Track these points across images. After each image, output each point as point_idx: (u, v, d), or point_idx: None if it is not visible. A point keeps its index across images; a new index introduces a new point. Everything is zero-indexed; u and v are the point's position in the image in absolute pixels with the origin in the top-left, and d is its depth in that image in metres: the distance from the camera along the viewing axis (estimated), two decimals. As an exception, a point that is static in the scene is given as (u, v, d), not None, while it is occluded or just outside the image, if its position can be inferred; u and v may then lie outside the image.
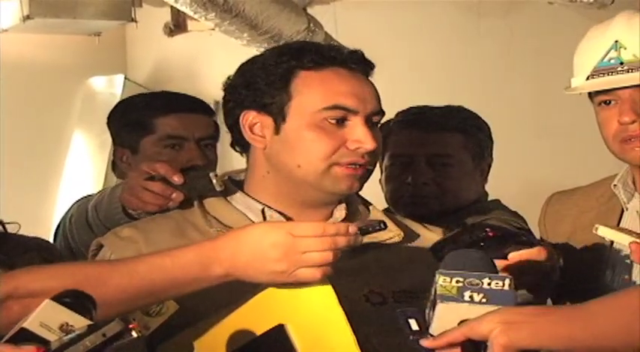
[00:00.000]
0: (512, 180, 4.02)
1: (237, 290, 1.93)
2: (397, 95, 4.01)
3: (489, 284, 1.80)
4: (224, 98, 2.23)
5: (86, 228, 2.69)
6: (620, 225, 2.36)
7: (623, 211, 2.38)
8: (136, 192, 2.35)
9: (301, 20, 4.97)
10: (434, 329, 1.80)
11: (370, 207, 2.28)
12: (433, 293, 1.81)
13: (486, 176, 3.01)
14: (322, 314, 1.87)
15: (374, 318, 2.00)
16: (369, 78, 2.21)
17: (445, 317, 1.78)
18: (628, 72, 2.26)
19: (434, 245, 2.04)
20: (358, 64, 2.18)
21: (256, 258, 1.84)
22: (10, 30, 5.50)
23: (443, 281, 1.80)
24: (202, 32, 5.68)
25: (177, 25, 5.95)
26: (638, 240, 2.08)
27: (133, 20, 5.54)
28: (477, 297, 1.79)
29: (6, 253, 2.31)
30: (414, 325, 1.82)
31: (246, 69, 2.20)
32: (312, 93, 2.13)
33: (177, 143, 2.86)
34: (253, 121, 2.16)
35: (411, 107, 3.04)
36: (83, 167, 6.03)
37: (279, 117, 2.14)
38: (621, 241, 2.15)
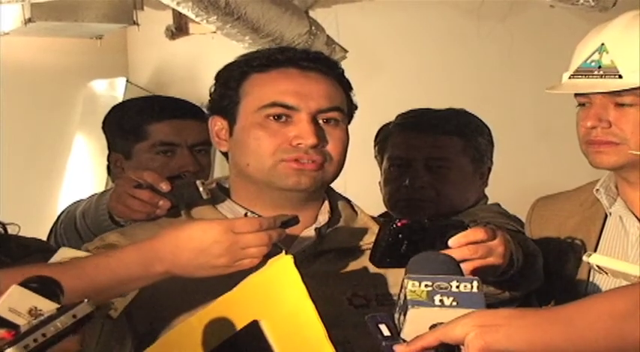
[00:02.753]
0: (512, 184, 4.02)
1: (215, 297, 1.97)
2: (397, 98, 4.02)
3: (458, 287, 1.80)
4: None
5: (74, 235, 2.71)
6: (603, 232, 2.37)
7: (606, 216, 2.38)
8: (123, 200, 2.37)
9: (303, 23, 4.97)
10: (405, 334, 1.80)
11: (358, 211, 2.28)
12: (403, 298, 1.81)
13: (486, 180, 3.01)
14: (285, 288, 1.90)
15: (355, 321, 2.01)
16: (331, 76, 2.20)
17: (417, 322, 1.78)
18: (601, 77, 2.27)
19: (370, 256, 2.03)
20: (310, 63, 2.19)
21: (199, 255, 1.94)
22: (12, 33, 5.50)
23: (412, 286, 1.80)
24: (204, 35, 5.68)
25: (179, 28, 5.96)
26: None
27: (135, 23, 5.54)
28: (447, 301, 1.78)
29: (8, 255, 2.31)
30: (385, 330, 1.81)
31: (216, 76, 2.26)
32: (256, 93, 2.17)
33: (170, 149, 2.87)
34: (220, 126, 2.22)
35: (412, 110, 3.04)
36: (85, 170, 6.03)
37: (231, 118, 2.19)
38: (624, 269, 2.13)
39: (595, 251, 2.36)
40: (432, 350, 1.77)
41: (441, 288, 1.80)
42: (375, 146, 3.04)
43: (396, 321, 1.83)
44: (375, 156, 3.05)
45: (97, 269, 1.95)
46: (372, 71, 4.96)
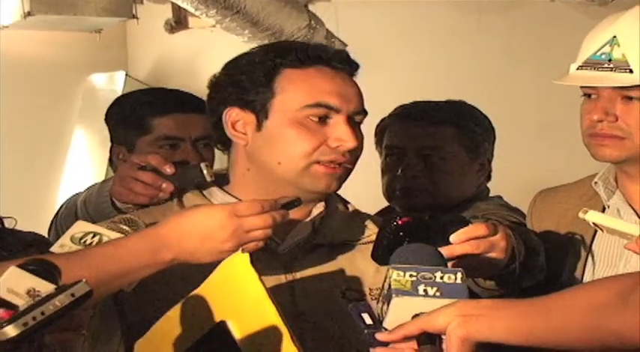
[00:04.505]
0: (514, 177, 4.01)
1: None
2: (397, 92, 4.01)
3: (442, 278, 1.82)
4: (208, 95, 2.25)
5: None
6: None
7: (604, 209, 2.38)
8: (126, 183, 2.36)
9: (302, 17, 4.97)
10: (388, 323, 1.81)
11: (349, 206, 2.28)
12: (387, 287, 1.83)
13: (488, 171, 3.00)
14: (244, 287, 1.89)
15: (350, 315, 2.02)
16: (354, 78, 2.21)
17: (400, 311, 1.80)
18: (611, 70, 2.25)
19: (372, 254, 2.04)
20: (343, 64, 2.19)
21: (205, 241, 1.94)
22: (12, 26, 5.51)
23: (397, 276, 1.82)
24: (203, 29, 5.68)
25: (179, 21, 5.95)
26: None
27: (134, 17, 5.55)
28: (431, 291, 1.80)
29: (6, 249, 2.31)
30: (367, 319, 1.84)
31: (232, 66, 2.22)
32: (296, 90, 2.14)
33: (174, 143, 2.86)
34: (236, 118, 2.17)
35: (412, 102, 3.04)
36: (84, 163, 6.03)
37: (261, 113, 2.15)
38: (621, 228, 2.12)
39: (592, 244, 2.36)
40: (413, 338, 1.78)
41: (426, 279, 1.82)
42: (374, 137, 3.05)
43: (379, 310, 1.85)
44: (375, 148, 3.05)
45: (105, 258, 1.94)
46: (372, 65, 4.93)
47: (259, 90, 2.15)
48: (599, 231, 2.30)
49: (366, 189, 2.93)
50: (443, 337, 1.77)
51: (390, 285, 1.82)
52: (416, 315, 1.79)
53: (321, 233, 2.20)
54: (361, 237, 2.20)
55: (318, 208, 2.21)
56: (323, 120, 2.13)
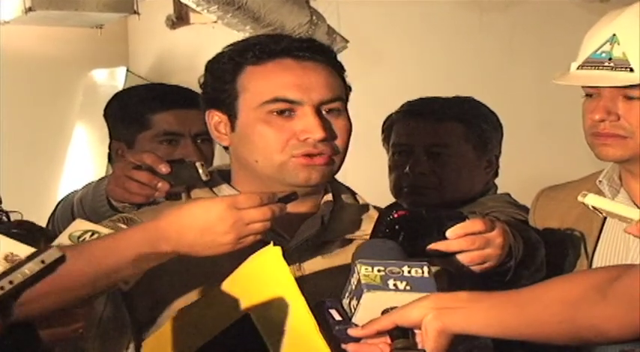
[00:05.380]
0: (515, 175, 4.01)
1: (213, 282, 1.97)
2: (398, 88, 4.01)
3: (410, 271, 1.83)
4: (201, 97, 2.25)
5: (70, 222, 2.68)
6: (605, 222, 2.35)
7: None
8: (121, 183, 2.35)
9: (304, 13, 4.97)
10: (358, 318, 1.82)
11: (358, 198, 2.26)
12: (355, 283, 1.83)
13: (496, 168, 2.99)
14: (274, 280, 1.89)
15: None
16: (328, 64, 2.16)
17: (370, 306, 1.80)
18: (612, 70, 2.24)
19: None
20: (305, 52, 2.14)
21: (204, 233, 1.92)
22: (12, 22, 5.49)
23: (365, 271, 1.82)
24: (205, 25, 5.68)
25: (180, 17, 5.95)
26: None
27: (136, 12, 5.54)
28: (400, 285, 1.81)
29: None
30: (336, 315, 1.84)
31: (207, 67, 2.21)
32: (255, 88, 2.11)
33: (173, 139, 2.86)
34: (218, 120, 2.17)
35: (418, 98, 3.03)
36: (84, 160, 6.03)
37: (231, 114, 2.14)
38: (620, 212, 2.11)
39: (597, 242, 2.35)
40: (386, 333, 1.79)
41: (394, 273, 1.82)
42: (381, 134, 3.04)
43: (346, 307, 1.85)
44: (383, 145, 3.05)
45: (105, 252, 1.94)
46: (373, 61, 4.96)
47: (226, 91, 2.14)
48: (604, 223, 2.30)
49: (373, 186, 2.93)
50: (416, 331, 1.78)
51: (359, 280, 1.82)
52: (386, 310, 1.80)
53: (330, 228, 2.18)
54: (368, 232, 2.15)
55: (327, 203, 2.20)
56: (289, 114, 2.10)
